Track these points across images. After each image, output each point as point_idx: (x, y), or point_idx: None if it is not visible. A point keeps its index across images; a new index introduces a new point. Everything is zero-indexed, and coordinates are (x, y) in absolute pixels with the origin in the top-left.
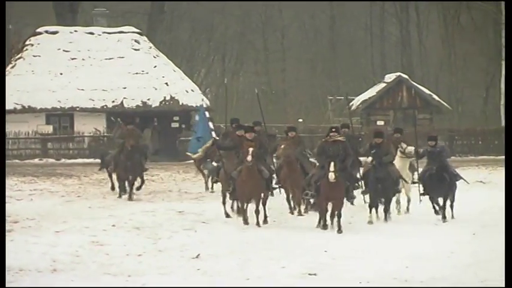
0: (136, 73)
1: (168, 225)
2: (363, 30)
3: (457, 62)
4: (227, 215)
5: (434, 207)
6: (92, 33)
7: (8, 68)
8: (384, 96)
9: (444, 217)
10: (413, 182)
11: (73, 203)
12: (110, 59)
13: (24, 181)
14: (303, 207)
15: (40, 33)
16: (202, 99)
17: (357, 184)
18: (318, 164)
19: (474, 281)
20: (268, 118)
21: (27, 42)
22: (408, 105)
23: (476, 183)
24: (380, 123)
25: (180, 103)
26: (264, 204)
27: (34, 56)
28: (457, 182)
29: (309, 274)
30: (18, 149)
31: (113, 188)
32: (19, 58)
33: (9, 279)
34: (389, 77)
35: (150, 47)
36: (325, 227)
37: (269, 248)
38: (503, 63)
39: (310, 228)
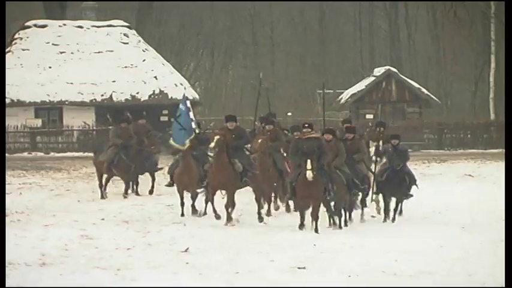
0: (126, 67)
1: (157, 219)
2: (351, 24)
3: (446, 55)
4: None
5: (385, 207)
6: (80, 27)
7: None
8: (373, 89)
9: (394, 219)
10: None
11: (62, 196)
12: (99, 52)
13: (13, 175)
14: (274, 206)
15: (29, 27)
16: (185, 88)
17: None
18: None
19: (462, 275)
20: (257, 112)
21: (15, 36)
22: (397, 99)
23: (465, 177)
24: (369, 116)
25: (169, 97)
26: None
27: (23, 50)
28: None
29: (298, 268)
30: (7, 143)
31: (100, 186)
32: (8, 52)
33: None
34: (379, 71)
35: (139, 41)
36: (301, 226)
37: (258, 242)
38: (493, 57)
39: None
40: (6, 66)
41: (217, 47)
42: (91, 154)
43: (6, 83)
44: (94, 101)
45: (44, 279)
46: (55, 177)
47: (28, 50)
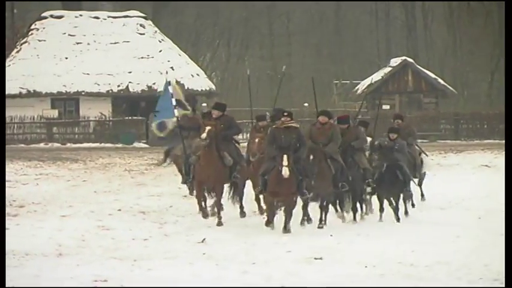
0: (142, 57)
1: (173, 210)
2: (368, 14)
3: (462, 46)
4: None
5: (380, 206)
6: (97, 18)
7: (13, 53)
8: (390, 80)
9: (398, 218)
10: None
11: (79, 187)
12: (115, 43)
13: (29, 165)
14: None
15: (45, 18)
16: (167, 72)
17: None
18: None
19: (478, 265)
20: (273, 103)
21: (32, 27)
22: (414, 89)
23: (481, 167)
24: (385, 107)
25: (186, 87)
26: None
27: (39, 41)
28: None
29: (315, 258)
30: (23, 134)
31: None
32: (24, 42)
33: (15, 263)
34: (395, 61)
35: (156, 32)
36: (268, 224)
37: (274, 233)
38: None
39: (316, 213)
40: (23, 57)
41: (234, 38)
42: (107, 145)
43: (23, 73)
44: (110, 91)
45: (60, 269)
46: (71, 168)
47: (44, 40)
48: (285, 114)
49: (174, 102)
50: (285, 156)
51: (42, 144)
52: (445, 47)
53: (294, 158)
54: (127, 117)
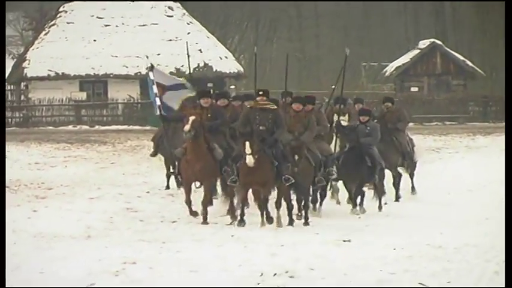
0: (170, 40)
1: (202, 192)
2: None
3: (491, 27)
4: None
5: (350, 195)
6: (125, 0)
7: (41, 35)
8: (418, 62)
9: (355, 206)
10: None
11: (107, 169)
12: (144, 25)
13: (58, 148)
14: None
15: (73, 0)
16: (147, 57)
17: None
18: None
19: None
20: (302, 85)
21: (60, 9)
22: (442, 72)
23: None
24: (414, 89)
25: (214, 69)
26: (209, 192)
27: (67, 23)
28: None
29: (343, 241)
30: (52, 116)
31: None
32: (52, 25)
33: (43, 245)
34: (423, 43)
35: (184, 14)
36: (240, 222)
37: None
38: None
39: (344, 195)
40: (51, 39)
41: (262, 20)
42: (136, 127)
43: (51, 56)
44: (139, 74)
45: (89, 251)
46: (100, 150)
47: (73, 23)
48: (260, 93)
49: (155, 90)
50: (247, 143)
51: (70, 127)
52: (474, 28)
53: (270, 141)
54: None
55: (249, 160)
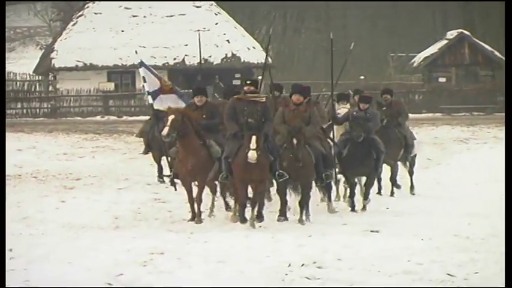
0: (198, 30)
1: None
2: None
3: None
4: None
5: (351, 190)
6: None
7: (69, 26)
8: (446, 53)
9: (353, 207)
10: None
11: (135, 160)
12: (171, 16)
13: (86, 138)
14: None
15: None
16: (136, 52)
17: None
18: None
19: None
20: (329, 76)
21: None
22: (470, 62)
23: None
24: (442, 80)
25: (242, 60)
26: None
27: (95, 14)
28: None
29: (371, 231)
30: (80, 106)
31: None
32: (80, 16)
33: (72, 236)
34: (451, 34)
35: (212, 4)
36: (243, 221)
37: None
38: None
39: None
40: (79, 30)
41: (290, 11)
42: None
43: (79, 46)
44: (166, 64)
45: (117, 242)
46: (128, 140)
47: (100, 13)
48: (248, 82)
49: (147, 88)
50: (254, 138)
51: (98, 117)
52: (502, 19)
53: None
54: (183, 90)
55: (252, 155)
